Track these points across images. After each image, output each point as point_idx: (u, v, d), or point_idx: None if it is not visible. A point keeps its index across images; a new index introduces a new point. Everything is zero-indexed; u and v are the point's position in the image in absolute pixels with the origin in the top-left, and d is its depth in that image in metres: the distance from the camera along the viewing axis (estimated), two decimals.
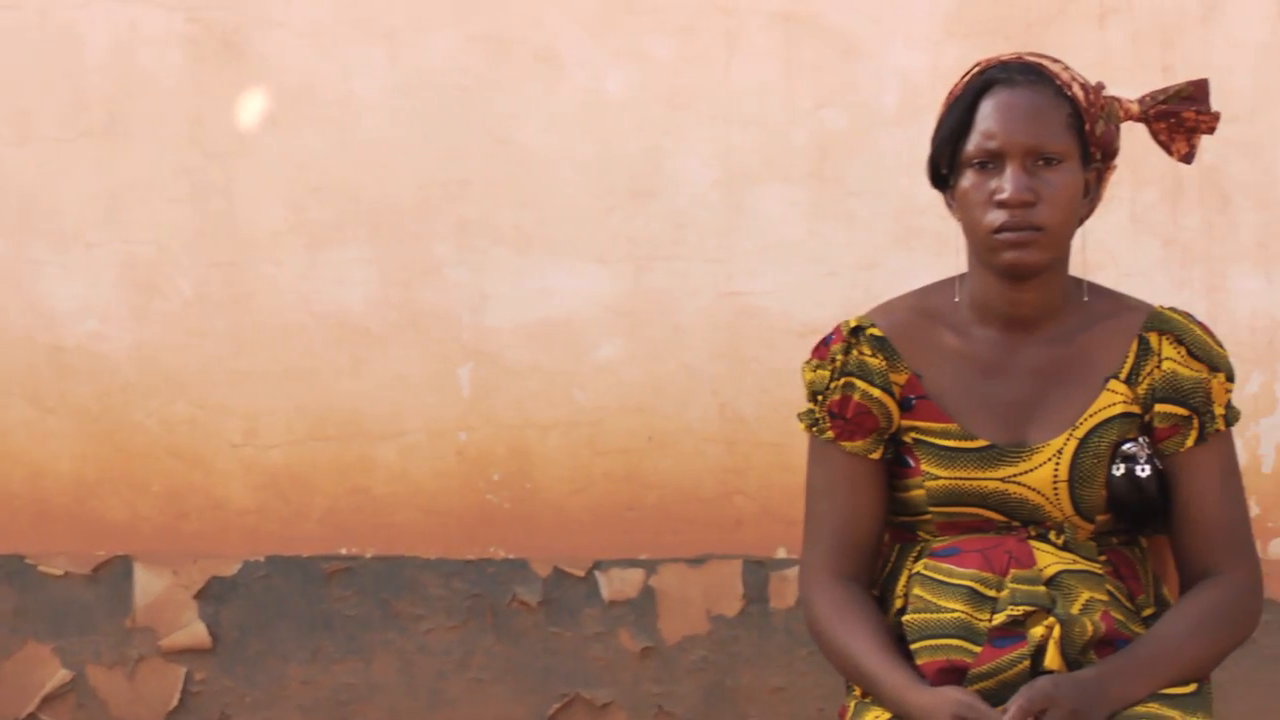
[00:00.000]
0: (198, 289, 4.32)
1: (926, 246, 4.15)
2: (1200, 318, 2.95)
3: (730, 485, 4.25)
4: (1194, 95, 2.92)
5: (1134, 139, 3.17)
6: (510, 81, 4.26)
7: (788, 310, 4.21)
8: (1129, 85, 3.15)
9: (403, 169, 4.28)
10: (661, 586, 4.28)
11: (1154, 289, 4.07)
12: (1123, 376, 2.87)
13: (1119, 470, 2.85)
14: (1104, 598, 2.84)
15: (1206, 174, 4.15)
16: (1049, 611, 2.81)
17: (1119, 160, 2.94)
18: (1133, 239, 4.17)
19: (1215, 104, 2.96)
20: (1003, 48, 4.03)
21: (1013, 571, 2.83)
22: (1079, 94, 2.83)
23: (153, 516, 4.34)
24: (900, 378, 2.89)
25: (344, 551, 4.34)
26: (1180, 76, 4.07)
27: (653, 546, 4.28)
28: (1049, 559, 2.84)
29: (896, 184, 4.16)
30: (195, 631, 4.36)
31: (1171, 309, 2.90)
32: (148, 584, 4.35)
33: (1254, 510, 4.16)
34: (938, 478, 2.85)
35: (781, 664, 4.25)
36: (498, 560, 4.31)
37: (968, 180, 2.83)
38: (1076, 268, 2.91)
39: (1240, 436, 4.12)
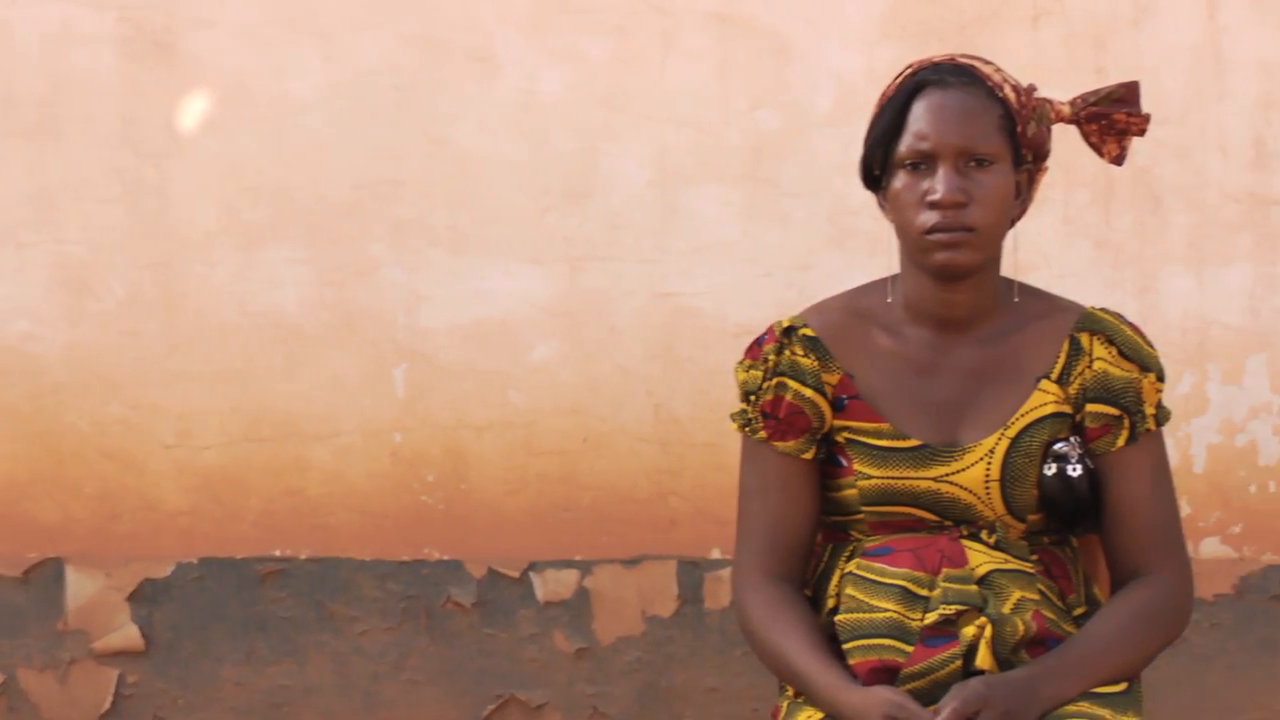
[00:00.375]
0: (131, 289, 4.30)
1: (860, 247, 4.16)
2: (1132, 318, 2.97)
3: (665, 486, 4.25)
4: (1125, 97, 2.93)
5: (1066, 141, 3.18)
6: (445, 82, 4.26)
7: (722, 311, 4.22)
8: (1062, 87, 3.17)
9: (337, 169, 4.27)
10: (596, 587, 4.28)
11: (1086, 290, 4.10)
12: (1054, 376, 2.88)
13: (1050, 470, 2.86)
14: (1035, 597, 2.85)
15: (1138, 175, 4.18)
16: (981, 611, 2.82)
17: (1051, 162, 2.95)
18: (1065, 240, 4.19)
19: (1146, 106, 2.97)
20: (936, 49, 4.04)
21: (945, 571, 2.84)
22: (1010, 96, 2.84)
23: (85, 518, 4.32)
24: (833, 378, 2.89)
25: (278, 553, 4.33)
26: (1112, 78, 4.10)
27: (587, 547, 4.28)
28: (981, 558, 2.85)
29: (830, 185, 4.18)
30: (128, 634, 4.34)
31: (1103, 309, 2.92)
32: (80, 586, 4.33)
33: (1185, 510, 4.19)
34: (870, 477, 2.86)
35: (716, 664, 4.26)
36: (432, 561, 4.30)
37: (900, 181, 2.84)
38: (1009, 268, 2.92)
39: (1172, 436, 4.14)
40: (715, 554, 4.25)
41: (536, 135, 4.25)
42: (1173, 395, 4.15)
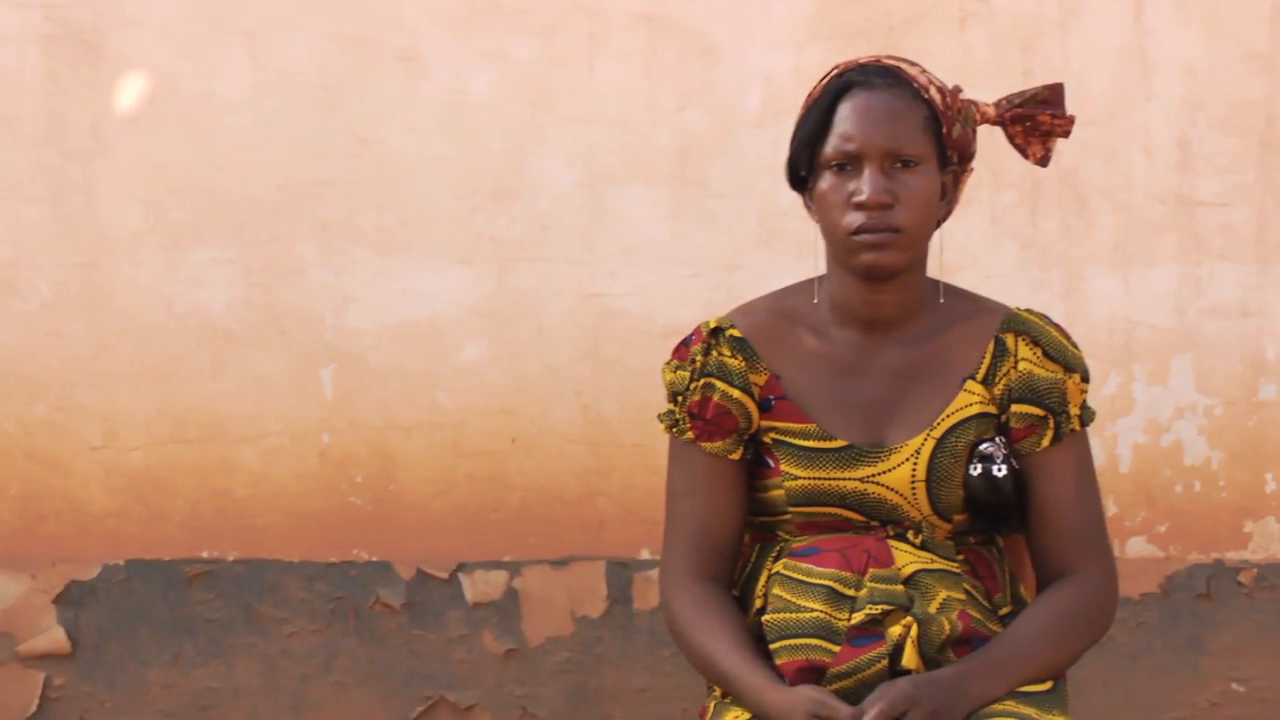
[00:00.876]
0: (56, 290, 4.27)
1: (788, 248, 4.16)
2: (1058, 319, 2.98)
3: (593, 486, 4.25)
4: (1049, 99, 2.94)
5: (993, 142, 3.19)
6: (372, 82, 4.24)
7: (650, 311, 4.22)
8: (990, 89, 3.18)
9: (264, 169, 4.25)
10: (525, 588, 4.28)
11: (1013, 291, 4.11)
12: (979, 377, 2.89)
13: (976, 470, 2.87)
14: (961, 597, 2.86)
15: (1064, 177, 4.20)
16: (907, 611, 2.82)
17: (977, 163, 2.96)
18: (992, 241, 4.21)
19: (1073, 108, 2.99)
20: (864, 50, 4.05)
21: (871, 571, 2.85)
22: (936, 97, 2.85)
23: (10, 520, 4.29)
24: (759, 378, 2.90)
25: (205, 555, 4.31)
26: (1040, 80, 4.11)
27: (516, 548, 4.27)
28: (907, 558, 2.86)
29: (758, 186, 4.18)
30: (54, 636, 4.31)
31: (1028, 310, 2.93)
32: (5, 589, 4.30)
33: (1112, 510, 4.21)
34: (797, 478, 2.87)
35: (645, 665, 4.26)
36: (361, 563, 4.29)
37: (826, 182, 2.84)
38: (936, 269, 2.93)
39: (1098, 437, 4.16)
40: (644, 554, 4.25)
41: (464, 136, 4.24)
42: (1099, 396, 4.17)
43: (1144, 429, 4.23)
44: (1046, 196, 4.22)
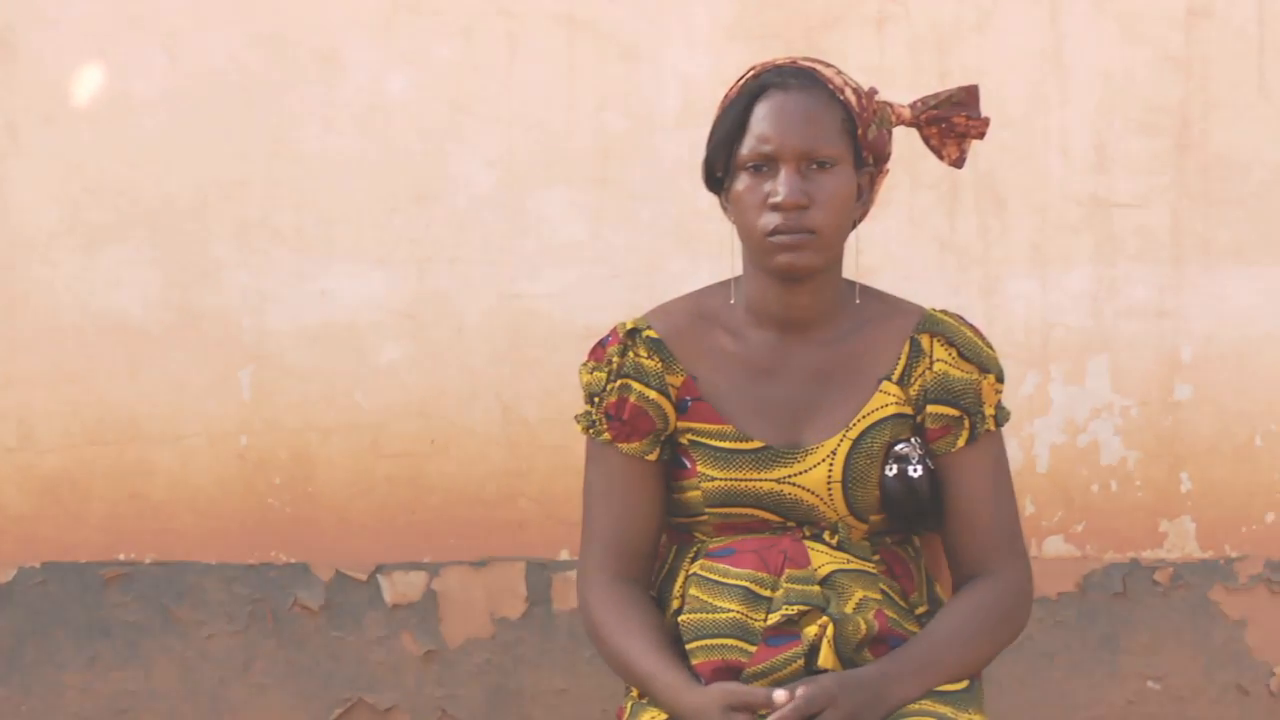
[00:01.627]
0: None
1: (708, 249, 4.17)
2: (976, 320, 2.99)
3: (513, 488, 4.24)
4: (964, 101, 2.96)
5: (912, 144, 3.20)
6: (291, 82, 4.23)
7: (570, 313, 4.22)
8: (908, 91, 3.19)
9: (182, 169, 4.23)
10: (444, 589, 4.27)
11: (931, 292, 4.13)
12: (895, 378, 2.90)
13: (892, 470, 2.88)
14: (877, 596, 2.87)
15: (982, 179, 4.22)
16: (823, 611, 2.83)
17: (895, 164, 2.96)
18: (910, 242, 4.22)
19: (990, 110, 3.00)
20: (783, 52, 4.06)
21: (787, 571, 2.86)
22: (851, 99, 2.86)
23: None
24: (676, 379, 2.90)
25: (122, 557, 4.28)
26: (957, 82, 4.13)
27: (435, 550, 4.26)
28: (823, 559, 2.86)
29: (678, 187, 4.19)
30: None
31: (943, 311, 2.94)
32: None
33: (1029, 509, 4.23)
34: (713, 479, 2.87)
35: (565, 666, 4.26)
36: (279, 564, 4.27)
37: (742, 183, 2.85)
38: (855, 271, 2.93)
39: (1015, 437, 4.18)
40: (564, 555, 4.25)
41: (383, 136, 4.23)
42: (1016, 396, 4.19)
43: (1061, 429, 4.25)
44: (964, 198, 4.24)
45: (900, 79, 4.13)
